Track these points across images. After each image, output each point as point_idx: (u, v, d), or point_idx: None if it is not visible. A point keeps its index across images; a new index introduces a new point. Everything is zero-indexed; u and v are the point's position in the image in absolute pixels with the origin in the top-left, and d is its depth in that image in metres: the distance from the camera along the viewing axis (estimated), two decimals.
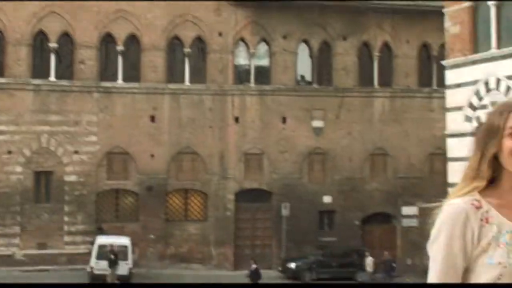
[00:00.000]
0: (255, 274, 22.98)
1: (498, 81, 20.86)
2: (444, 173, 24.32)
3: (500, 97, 20.77)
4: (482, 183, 2.03)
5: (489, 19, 21.42)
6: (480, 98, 21.56)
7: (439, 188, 28.77)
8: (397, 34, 33.14)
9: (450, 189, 20.20)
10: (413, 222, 32.00)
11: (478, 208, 1.99)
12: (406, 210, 32.06)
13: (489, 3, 21.34)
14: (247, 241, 31.83)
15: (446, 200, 2.05)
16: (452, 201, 2.03)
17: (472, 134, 21.82)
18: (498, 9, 21.20)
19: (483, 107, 21.41)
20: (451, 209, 2.01)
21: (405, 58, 33.32)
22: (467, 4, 22.15)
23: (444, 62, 23.75)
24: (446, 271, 1.98)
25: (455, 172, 22.26)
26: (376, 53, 33.17)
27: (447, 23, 23.12)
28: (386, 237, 32.29)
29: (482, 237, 1.97)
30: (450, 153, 22.89)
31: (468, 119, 21.97)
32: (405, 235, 32.36)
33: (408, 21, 32.84)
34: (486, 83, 21.27)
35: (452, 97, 22.70)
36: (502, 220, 1.99)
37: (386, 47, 33.32)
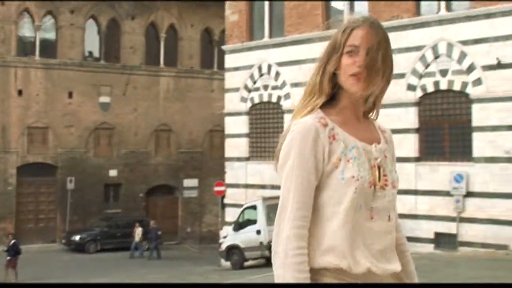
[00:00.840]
0: (13, 248, 21.00)
1: (269, 66, 22.41)
2: (222, 148, 25.53)
3: (271, 81, 22.38)
4: (322, 99, 1.96)
5: (263, 11, 22.84)
6: (254, 82, 22.98)
7: (217, 162, 30.21)
8: (182, 17, 33.67)
9: (226, 163, 21.13)
10: (193, 193, 33.22)
11: (325, 125, 1.92)
12: (187, 182, 33.10)
13: None
14: (30, 216, 30.18)
15: (294, 120, 1.96)
16: (300, 120, 1.93)
17: (246, 113, 23.17)
18: (271, 3, 22.69)
19: (257, 89, 22.88)
20: (301, 127, 1.90)
21: (190, 40, 34.04)
22: None
23: (224, 47, 24.79)
24: (301, 188, 1.87)
25: (231, 147, 23.57)
26: (162, 34, 33.37)
27: (228, 11, 24.13)
28: (169, 207, 33.00)
29: (332, 153, 1.89)
30: (227, 130, 24.10)
31: (244, 99, 23.32)
32: (186, 205, 33.39)
33: (193, 7, 33.55)
34: (260, 68, 22.73)
35: (230, 79, 23.86)
36: (346, 136, 1.94)
37: (172, 29, 33.69)
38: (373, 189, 1.92)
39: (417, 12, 18.78)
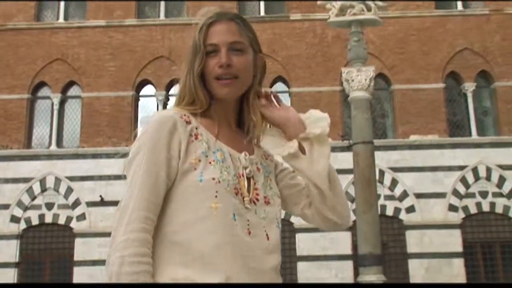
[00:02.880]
0: None
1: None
2: None
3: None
4: (201, 108, 1.66)
5: None
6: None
7: None
8: None
9: None
10: None
11: (188, 123, 1.61)
12: None
13: None
14: None
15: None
16: (158, 112, 1.65)
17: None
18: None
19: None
20: (158, 117, 1.59)
21: None
22: None
23: None
24: (148, 185, 1.51)
25: None
26: None
27: None
28: None
29: (191, 152, 1.58)
30: None
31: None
32: None
33: None
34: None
35: None
36: (211, 138, 1.64)
37: None
38: (241, 199, 1.59)
39: (28, 145, 18.27)
